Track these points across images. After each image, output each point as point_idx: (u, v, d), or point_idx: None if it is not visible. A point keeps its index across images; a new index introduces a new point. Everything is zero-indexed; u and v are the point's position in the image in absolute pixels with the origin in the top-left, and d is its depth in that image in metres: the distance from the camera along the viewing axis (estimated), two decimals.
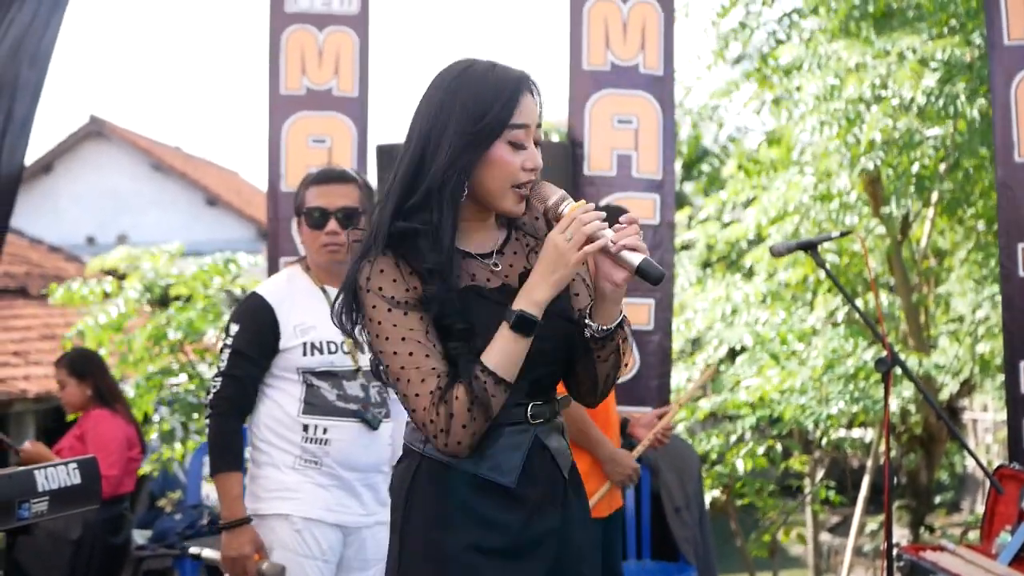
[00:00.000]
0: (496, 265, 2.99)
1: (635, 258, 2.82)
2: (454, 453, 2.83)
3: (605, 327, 2.91)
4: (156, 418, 9.75)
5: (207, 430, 4.45)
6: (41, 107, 6.77)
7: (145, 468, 9.56)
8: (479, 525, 2.90)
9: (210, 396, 4.45)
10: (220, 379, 4.44)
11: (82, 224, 23.03)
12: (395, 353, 2.83)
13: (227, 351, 4.45)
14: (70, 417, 7.57)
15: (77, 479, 4.76)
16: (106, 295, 9.81)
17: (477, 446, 2.86)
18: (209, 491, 10.07)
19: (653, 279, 2.83)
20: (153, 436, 9.62)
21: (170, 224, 22.35)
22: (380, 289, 2.84)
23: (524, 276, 2.94)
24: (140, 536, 7.76)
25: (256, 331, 4.43)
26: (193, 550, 5.65)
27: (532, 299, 2.83)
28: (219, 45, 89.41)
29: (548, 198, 2.93)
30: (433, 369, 2.81)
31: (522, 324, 2.81)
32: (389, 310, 2.83)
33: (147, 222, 22.71)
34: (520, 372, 2.85)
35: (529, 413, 2.96)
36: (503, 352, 2.81)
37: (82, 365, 7.32)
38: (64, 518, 5.40)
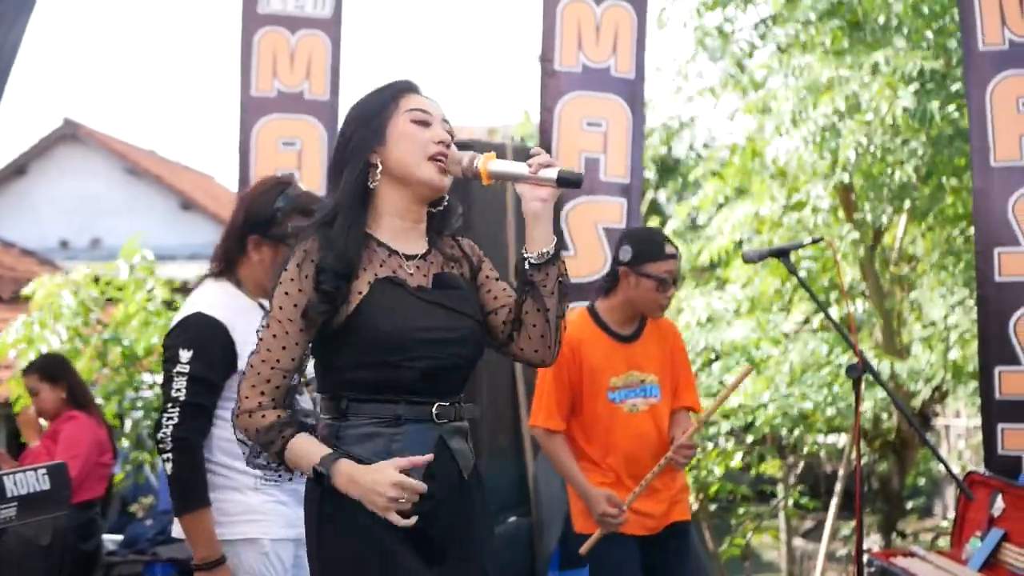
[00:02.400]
0: (417, 267, 3.18)
1: (552, 172, 3.06)
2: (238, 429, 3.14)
3: (545, 250, 3.10)
4: (128, 425, 9.68)
5: (168, 465, 4.11)
6: (14, 109, 6.79)
7: (119, 477, 9.51)
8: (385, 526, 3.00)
9: (168, 428, 4.10)
10: (178, 409, 4.11)
11: (56, 227, 22.91)
12: (265, 326, 3.11)
13: (182, 378, 4.11)
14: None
15: (46, 485, 4.74)
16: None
17: (381, 441, 3.04)
18: None
19: (574, 182, 3.07)
20: (124, 443, 9.57)
21: (144, 228, 22.16)
22: (304, 255, 3.07)
23: (438, 276, 3.20)
24: (111, 542, 7.72)
25: (213, 355, 4.15)
26: None
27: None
28: (194, 48, 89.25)
29: (461, 160, 3.15)
30: (278, 371, 3.09)
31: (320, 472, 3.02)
32: (288, 289, 3.06)
33: (121, 226, 22.55)
34: (406, 353, 3.04)
35: (434, 412, 3.09)
36: (302, 450, 3.05)
37: (54, 369, 7.26)
38: (34, 524, 5.35)
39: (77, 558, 6.86)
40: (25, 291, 10.09)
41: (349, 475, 2.94)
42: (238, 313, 4.24)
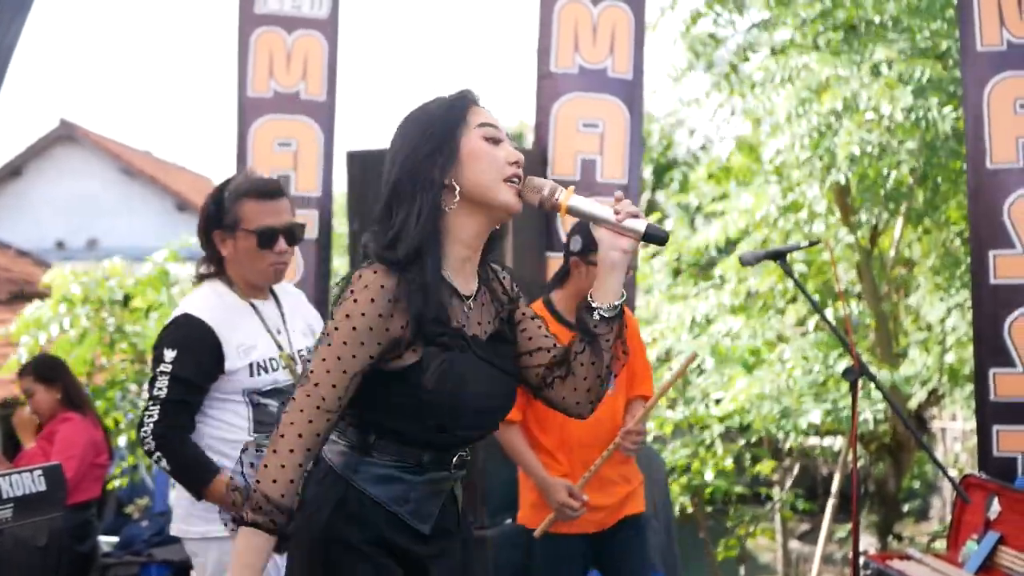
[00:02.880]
0: (469, 308, 2.99)
1: (640, 224, 2.89)
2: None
3: (616, 303, 2.93)
4: (123, 424, 9.68)
5: (163, 463, 4.12)
6: (11, 110, 6.74)
7: (115, 483, 9.52)
8: (394, 561, 2.95)
9: (148, 427, 4.12)
10: (158, 407, 4.13)
11: (52, 228, 22.91)
12: (324, 358, 2.82)
13: (164, 378, 4.13)
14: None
15: (42, 486, 4.74)
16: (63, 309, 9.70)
17: (401, 488, 2.93)
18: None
19: (660, 240, 2.92)
20: (121, 442, 9.56)
21: (140, 229, 22.27)
22: (381, 291, 2.80)
23: (496, 335, 3.02)
24: (107, 543, 7.72)
25: (197, 357, 4.16)
26: None
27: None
28: (191, 49, 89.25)
29: (542, 188, 2.92)
30: (328, 412, 2.82)
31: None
32: (362, 316, 2.79)
33: (117, 227, 22.62)
34: (458, 422, 2.91)
35: (454, 463, 3.00)
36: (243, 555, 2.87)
37: (49, 370, 7.26)
38: (30, 525, 5.33)
39: (73, 559, 6.85)
40: (44, 280, 10.17)
41: None
42: (227, 312, 4.27)
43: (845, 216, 10.30)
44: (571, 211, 2.92)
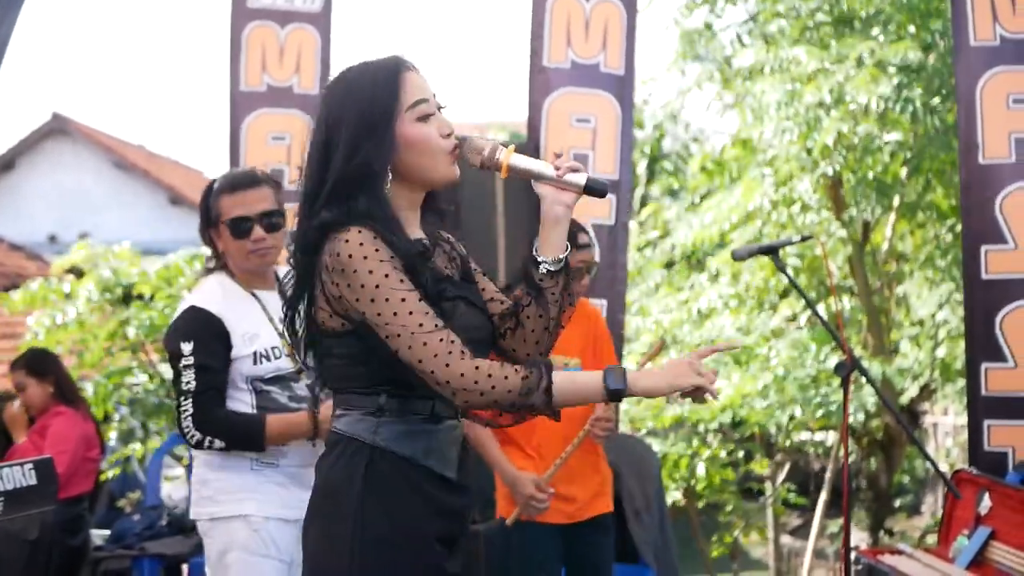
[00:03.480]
0: (432, 254, 3.04)
1: (580, 178, 2.97)
2: (462, 406, 2.86)
3: (560, 256, 3.01)
4: (116, 418, 9.69)
5: (215, 443, 4.21)
6: (3, 104, 6.72)
7: (107, 474, 9.53)
8: (437, 512, 2.97)
9: (188, 422, 4.23)
10: (191, 400, 4.24)
11: (44, 222, 22.89)
12: (395, 314, 2.81)
13: (189, 371, 4.24)
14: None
15: (33, 480, 4.74)
16: (66, 296, 9.74)
17: (423, 439, 2.95)
18: (169, 491, 10.05)
19: (600, 192, 2.98)
20: (112, 436, 9.57)
21: (133, 223, 22.26)
22: (377, 251, 2.83)
23: (465, 273, 3.12)
24: (98, 537, 7.71)
25: (212, 343, 4.28)
26: None
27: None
28: (183, 42, 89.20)
29: (482, 150, 2.97)
30: (440, 327, 2.82)
31: (615, 392, 2.83)
32: (383, 267, 2.82)
33: (110, 221, 22.60)
34: None
35: (459, 407, 3.01)
36: (577, 388, 2.85)
37: (41, 364, 7.26)
38: (21, 519, 5.35)
39: (64, 553, 6.85)
40: (59, 262, 10.24)
41: (648, 375, 2.85)
42: (231, 302, 4.39)
43: (837, 210, 10.31)
44: (512, 169, 2.98)
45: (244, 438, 4.27)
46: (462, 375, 2.78)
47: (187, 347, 4.26)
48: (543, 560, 5.11)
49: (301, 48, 7.16)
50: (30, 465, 4.76)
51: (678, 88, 12.37)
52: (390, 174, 2.94)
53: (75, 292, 9.72)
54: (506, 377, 2.79)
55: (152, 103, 74.08)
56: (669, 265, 13.11)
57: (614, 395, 2.81)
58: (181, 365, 4.26)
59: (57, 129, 23.79)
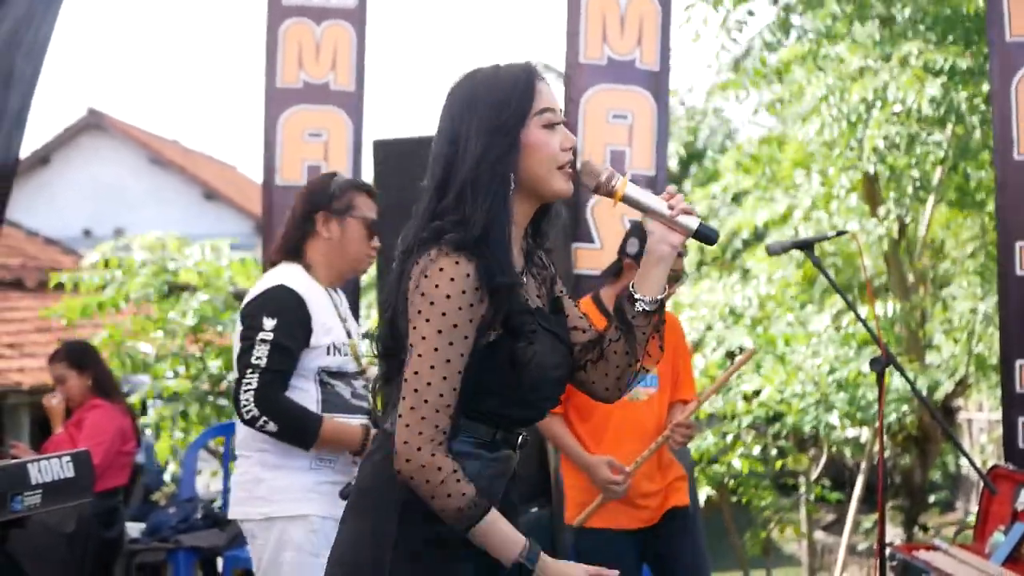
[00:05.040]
0: (524, 282, 2.98)
1: (692, 222, 2.88)
2: (402, 474, 2.78)
3: (657, 297, 2.93)
4: (151, 412, 9.73)
5: (268, 425, 4.25)
6: (39, 99, 6.76)
7: (142, 464, 9.59)
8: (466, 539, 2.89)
9: (248, 395, 4.25)
10: (257, 375, 4.25)
11: (79, 217, 22.99)
12: (435, 350, 2.77)
13: (265, 346, 4.25)
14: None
15: (70, 472, 4.76)
16: (103, 287, 9.78)
17: (475, 465, 2.87)
18: (207, 483, 10.09)
19: (711, 240, 2.91)
20: (148, 432, 9.61)
21: (167, 218, 22.34)
22: (466, 279, 2.78)
23: (553, 301, 3.07)
24: (134, 529, 7.75)
25: (296, 325, 4.31)
26: None
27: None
28: (218, 38, 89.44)
29: (600, 174, 2.91)
30: (449, 408, 2.79)
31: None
32: (459, 308, 2.78)
33: (144, 215, 22.68)
34: (539, 393, 2.93)
35: (519, 442, 3.01)
36: (500, 536, 2.83)
37: (81, 357, 7.29)
38: (58, 511, 5.38)
39: (100, 545, 6.89)
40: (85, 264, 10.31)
41: (556, 571, 2.84)
42: (313, 291, 4.44)
43: (873, 207, 10.27)
44: (626, 199, 2.93)
45: (299, 430, 4.29)
46: (422, 466, 2.76)
47: (269, 322, 4.28)
48: (619, 567, 5.05)
49: (337, 45, 7.19)
50: (67, 458, 4.78)
51: (709, 88, 12.35)
52: (513, 182, 2.88)
53: (130, 276, 9.72)
54: (449, 495, 2.76)
55: (186, 98, 74.32)
56: (700, 264, 13.09)
57: (521, 569, 2.83)
58: (258, 338, 4.28)
59: (92, 124, 23.88)
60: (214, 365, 9.51)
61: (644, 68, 7.08)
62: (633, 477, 4.97)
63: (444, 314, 2.76)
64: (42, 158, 23.64)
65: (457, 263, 2.77)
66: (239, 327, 4.41)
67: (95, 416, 7.04)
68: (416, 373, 2.78)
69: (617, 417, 5.02)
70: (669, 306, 5.58)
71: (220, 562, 7.32)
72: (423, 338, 2.78)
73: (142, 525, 7.83)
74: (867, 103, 8.99)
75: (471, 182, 2.84)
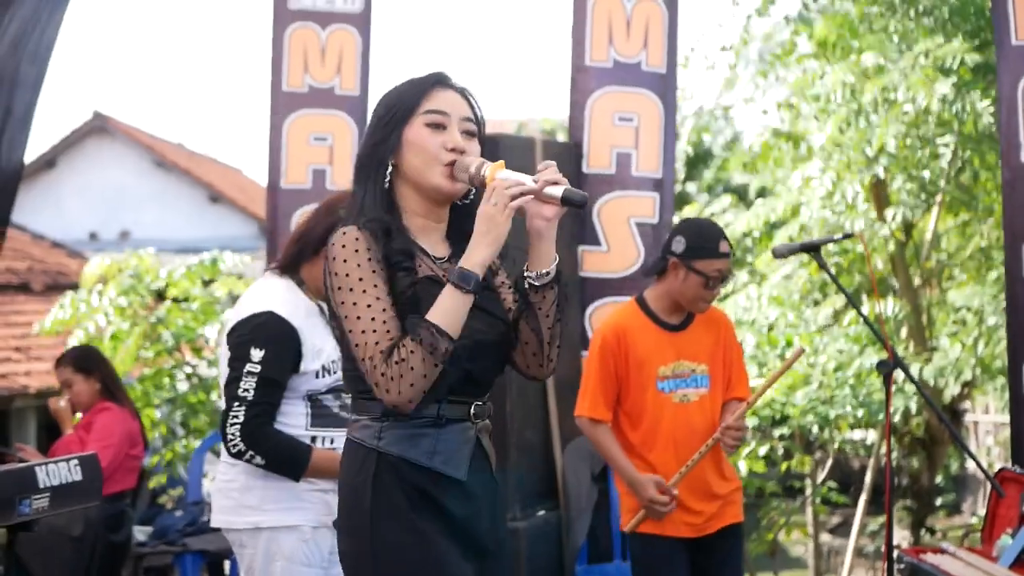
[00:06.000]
0: (447, 269, 3.12)
1: (557, 191, 3.00)
2: (398, 404, 2.95)
3: (544, 271, 3.09)
4: (157, 415, 9.73)
5: (256, 459, 4.21)
6: (44, 102, 6.79)
7: (159, 478, 9.59)
8: (440, 513, 3.05)
9: (235, 428, 4.21)
10: (244, 408, 4.22)
11: (85, 220, 23.00)
12: (354, 304, 2.99)
13: (252, 378, 4.22)
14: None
15: (78, 476, 4.75)
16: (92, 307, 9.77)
17: (427, 442, 3.03)
18: (210, 488, 10.08)
19: (577, 203, 3.01)
20: (155, 436, 9.61)
21: (173, 221, 22.38)
22: (356, 241, 3.02)
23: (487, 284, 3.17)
24: (141, 533, 7.75)
25: (285, 358, 4.27)
26: None
27: (471, 260, 3.00)
28: (223, 42, 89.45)
29: (469, 167, 3.11)
30: (386, 326, 2.97)
31: (463, 278, 2.97)
32: (358, 264, 3.00)
33: (150, 219, 22.71)
34: (464, 369, 3.04)
35: (472, 412, 3.11)
36: (444, 308, 2.96)
37: (87, 361, 7.26)
38: (66, 515, 5.38)
39: (107, 549, 6.89)
40: (86, 272, 10.30)
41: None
42: (302, 313, 4.39)
43: (879, 208, 10.26)
44: (499, 183, 3.03)
45: (287, 463, 4.27)
46: (383, 375, 2.94)
47: (257, 354, 4.24)
48: (666, 573, 5.03)
49: (342, 49, 7.21)
50: (75, 461, 4.77)
51: (717, 89, 12.35)
52: (391, 167, 3.15)
53: (100, 304, 9.72)
54: (405, 346, 2.94)
55: (192, 102, 74.36)
56: None
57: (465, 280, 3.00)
58: (245, 370, 4.24)
59: (98, 127, 23.89)
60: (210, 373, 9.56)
61: (650, 70, 7.08)
62: (681, 484, 4.92)
63: (348, 275, 3.01)
64: (48, 161, 23.65)
65: (345, 232, 3.05)
66: (226, 352, 4.37)
67: (104, 419, 7.03)
68: (351, 331, 3.00)
69: (668, 420, 4.98)
70: (720, 305, 5.58)
71: (227, 565, 7.32)
72: (341, 303, 3.02)
73: (149, 528, 7.83)
74: (877, 103, 8.96)
75: (358, 167, 3.22)
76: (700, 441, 4.96)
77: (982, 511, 5.91)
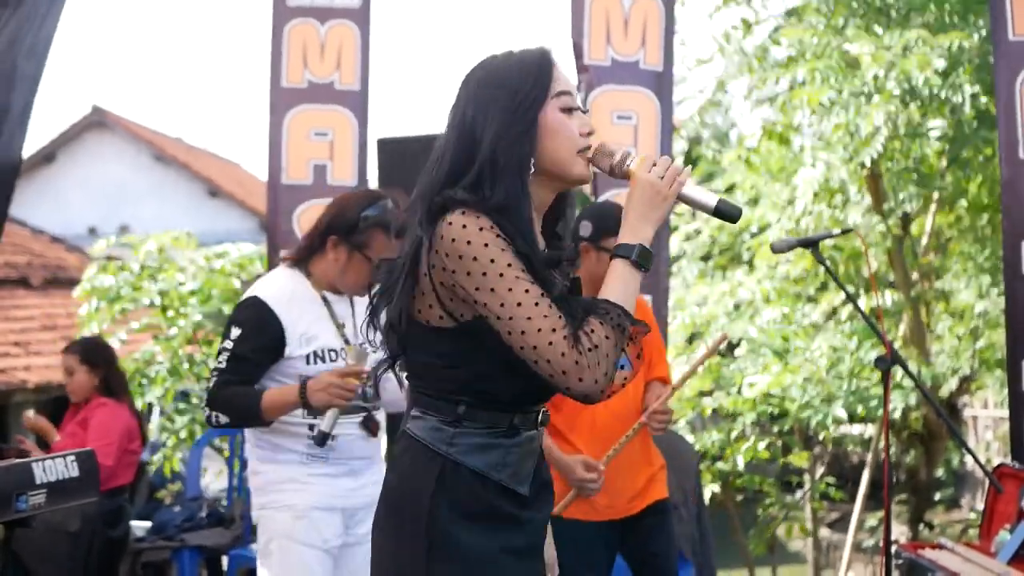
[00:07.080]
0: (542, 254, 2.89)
1: (712, 199, 2.85)
2: (591, 393, 2.75)
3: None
4: (169, 409, 9.77)
5: (221, 419, 4.38)
6: (43, 97, 6.78)
7: (155, 465, 9.62)
8: (508, 528, 2.89)
9: (206, 395, 4.45)
10: (215, 378, 4.41)
11: (84, 214, 23.00)
12: (509, 290, 2.71)
13: (225, 353, 4.40)
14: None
15: (75, 472, 4.75)
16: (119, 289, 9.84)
17: (497, 453, 2.86)
18: (208, 483, 10.10)
19: (732, 217, 2.86)
20: (155, 434, 9.64)
21: (172, 215, 22.35)
22: (497, 238, 2.73)
23: (573, 283, 2.99)
24: (139, 528, 7.76)
25: (259, 339, 4.39)
26: None
27: (641, 236, 2.85)
28: (222, 36, 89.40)
29: (614, 154, 2.90)
30: (557, 313, 2.73)
31: (644, 257, 2.83)
32: (508, 261, 2.72)
33: (148, 213, 22.70)
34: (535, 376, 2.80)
35: (540, 419, 2.97)
36: (627, 290, 2.80)
37: (94, 354, 7.26)
38: (63, 510, 5.37)
39: (105, 544, 6.91)
40: (87, 275, 10.35)
41: None
42: (296, 301, 4.50)
43: (876, 203, 10.26)
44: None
45: (244, 412, 4.37)
46: (575, 362, 2.71)
47: (235, 332, 4.41)
48: (592, 559, 5.03)
49: (342, 44, 7.20)
50: (72, 457, 4.77)
51: (709, 82, 12.30)
52: (532, 165, 2.84)
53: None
54: (594, 331, 2.74)
55: (191, 96, 74.34)
56: (706, 258, 13.05)
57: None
58: (223, 346, 4.43)
59: (97, 122, 23.89)
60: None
61: (648, 69, 7.08)
62: (607, 468, 4.93)
63: (493, 260, 2.72)
64: (47, 156, 23.65)
65: (477, 216, 2.74)
66: None
67: (101, 415, 7.03)
68: (510, 318, 2.72)
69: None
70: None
71: (225, 561, 7.33)
72: (491, 290, 2.73)
73: (147, 524, 7.84)
74: (867, 88, 8.93)
75: (489, 164, 2.79)
76: (620, 423, 4.94)
77: (981, 506, 5.92)
